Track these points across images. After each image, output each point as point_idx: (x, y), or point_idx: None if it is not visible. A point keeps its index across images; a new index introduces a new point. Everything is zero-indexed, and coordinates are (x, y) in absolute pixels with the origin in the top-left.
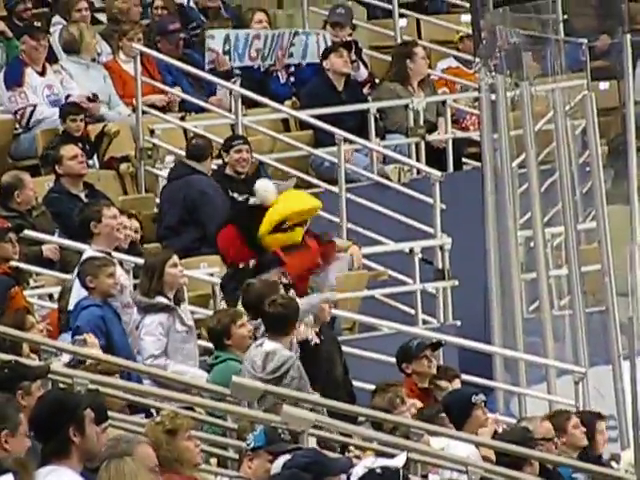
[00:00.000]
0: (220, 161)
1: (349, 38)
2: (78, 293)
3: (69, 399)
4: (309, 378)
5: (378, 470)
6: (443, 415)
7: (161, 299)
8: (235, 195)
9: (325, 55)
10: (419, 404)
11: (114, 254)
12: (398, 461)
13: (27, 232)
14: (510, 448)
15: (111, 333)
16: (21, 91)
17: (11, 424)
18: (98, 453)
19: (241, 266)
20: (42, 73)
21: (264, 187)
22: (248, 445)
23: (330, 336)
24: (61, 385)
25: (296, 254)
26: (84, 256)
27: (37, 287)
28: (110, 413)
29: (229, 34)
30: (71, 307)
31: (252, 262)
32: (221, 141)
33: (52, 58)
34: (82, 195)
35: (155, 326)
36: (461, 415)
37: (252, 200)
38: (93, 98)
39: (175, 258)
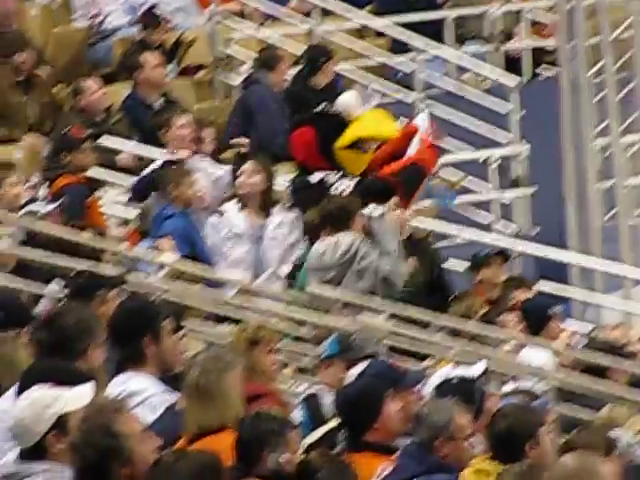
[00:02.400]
0: (295, 70)
1: None
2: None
3: (147, 309)
4: None
5: (454, 380)
6: (504, 317)
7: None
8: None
9: None
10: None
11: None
12: (475, 370)
13: (102, 140)
14: (589, 356)
15: (195, 241)
16: None
17: (97, 338)
18: (175, 363)
19: (317, 178)
20: None
21: (347, 100)
22: (322, 354)
23: (421, 241)
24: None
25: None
26: (156, 163)
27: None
28: (194, 323)
29: None
30: None
31: (343, 182)
32: (296, 51)
33: None
34: (157, 104)
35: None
36: (537, 325)
37: (333, 109)
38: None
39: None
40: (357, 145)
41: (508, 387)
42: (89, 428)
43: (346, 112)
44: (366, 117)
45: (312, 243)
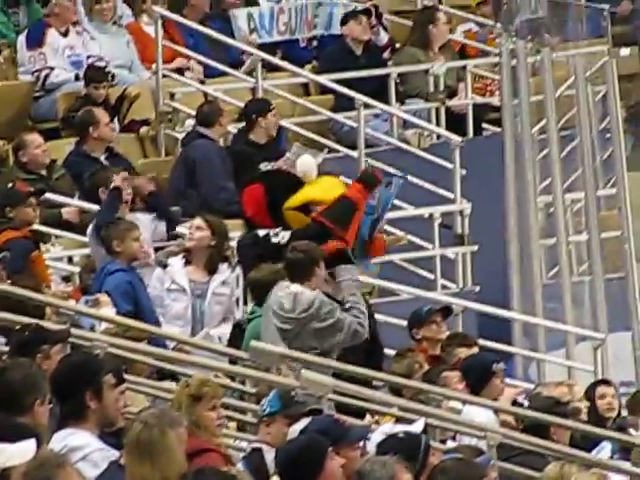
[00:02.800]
0: (234, 126)
1: (370, 3)
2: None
3: (89, 364)
4: None
5: (401, 435)
6: (446, 375)
7: None
8: (261, 165)
9: (344, 21)
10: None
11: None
12: (417, 427)
13: (47, 195)
14: (530, 414)
15: (139, 299)
16: (41, 52)
17: (43, 393)
18: (116, 418)
19: (263, 233)
20: (65, 34)
21: (308, 163)
22: (263, 410)
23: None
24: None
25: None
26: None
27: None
28: (137, 379)
29: (251, 12)
30: None
31: (280, 233)
32: (241, 105)
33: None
34: (102, 158)
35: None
36: (479, 382)
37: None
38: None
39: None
40: (307, 208)
41: (451, 444)
42: None
43: (303, 174)
44: (321, 182)
45: (257, 302)
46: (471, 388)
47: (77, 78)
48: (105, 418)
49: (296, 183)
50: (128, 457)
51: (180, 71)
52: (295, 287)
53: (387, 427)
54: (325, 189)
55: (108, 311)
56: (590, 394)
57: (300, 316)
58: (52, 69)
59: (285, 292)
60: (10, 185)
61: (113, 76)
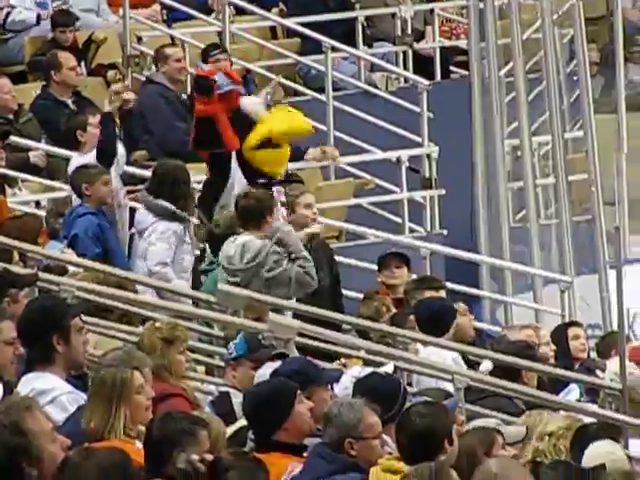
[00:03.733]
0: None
1: None
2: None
3: (55, 307)
4: None
5: (381, 374)
6: (413, 318)
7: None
8: None
9: None
10: None
11: None
12: (387, 369)
13: (13, 138)
14: (501, 358)
15: (108, 241)
16: None
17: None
18: (83, 362)
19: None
20: None
21: (252, 102)
22: (230, 354)
23: (320, 244)
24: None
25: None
26: (71, 164)
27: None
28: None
29: None
30: None
31: None
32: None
33: None
34: (69, 102)
35: (170, 234)
36: (443, 324)
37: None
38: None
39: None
40: (268, 144)
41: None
42: None
43: (253, 114)
44: (272, 115)
45: (212, 250)
46: (435, 333)
47: (38, 19)
48: (72, 361)
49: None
50: (93, 399)
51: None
52: (242, 237)
53: (356, 370)
54: (277, 118)
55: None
56: (559, 336)
57: (248, 265)
58: (13, 7)
59: (233, 244)
60: None
61: (76, 19)
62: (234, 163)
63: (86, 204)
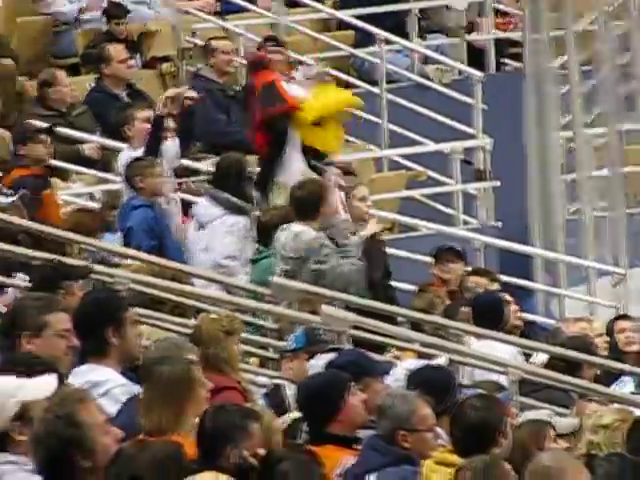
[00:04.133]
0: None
1: None
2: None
3: (109, 300)
4: None
5: (435, 367)
6: (465, 310)
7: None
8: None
9: None
10: None
11: None
12: (440, 362)
13: (67, 131)
14: (562, 352)
15: (163, 234)
16: None
17: (32, 326)
18: (137, 354)
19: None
20: None
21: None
22: (289, 346)
23: (372, 238)
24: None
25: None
26: (120, 158)
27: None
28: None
29: None
30: None
31: None
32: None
33: None
34: (123, 95)
35: (240, 227)
36: (495, 316)
37: None
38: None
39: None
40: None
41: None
42: (52, 418)
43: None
44: (320, 93)
45: (263, 244)
46: (490, 327)
47: (78, 14)
48: (126, 354)
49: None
50: (160, 398)
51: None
52: (295, 226)
53: (409, 363)
54: (320, 96)
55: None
56: (609, 329)
57: (298, 255)
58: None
59: (286, 232)
60: (21, 123)
61: (127, 12)
62: (291, 141)
63: (140, 196)
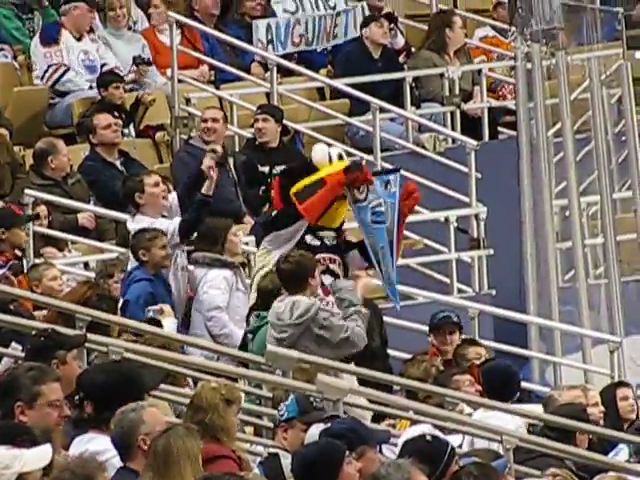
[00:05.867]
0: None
1: (384, 6)
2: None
3: (137, 378)
4: None
5: (428, 437)
6: (457, 379)
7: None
8: (260, 168)
9: (366, 23)
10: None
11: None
12: (452, 440)
13: (62, 200)
14: (555, 420)
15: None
16: (57, 49)
17: (26, 395)
18: None
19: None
20: (79, 39)
21: (320, 150)
22: (281, 416)
23: (370, 305)
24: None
25: (310, 197)
26: (129, 227)
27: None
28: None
29: (270, 22)
30: None
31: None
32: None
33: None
34: (117, 163)
35: (220, 280)
36: (500, 388)
37: (277, 170)
38: (147, 61)
39: (234, 227)
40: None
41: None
42: (71, 477)
43: (316, 162)
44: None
45: (264, 308)
46: (491, 392)
47: (90, 88)
48: None
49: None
50: (147, 467)
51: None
52: (293, 297)
53: (423, 427)
54: (329, 168)
55: (170, 320)
56: (608, 396)
57: (297, 321)
58: (68, 68)
59: (283, 302)
60: (3, 206)
61: (122, 79)
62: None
63: (144, 269)
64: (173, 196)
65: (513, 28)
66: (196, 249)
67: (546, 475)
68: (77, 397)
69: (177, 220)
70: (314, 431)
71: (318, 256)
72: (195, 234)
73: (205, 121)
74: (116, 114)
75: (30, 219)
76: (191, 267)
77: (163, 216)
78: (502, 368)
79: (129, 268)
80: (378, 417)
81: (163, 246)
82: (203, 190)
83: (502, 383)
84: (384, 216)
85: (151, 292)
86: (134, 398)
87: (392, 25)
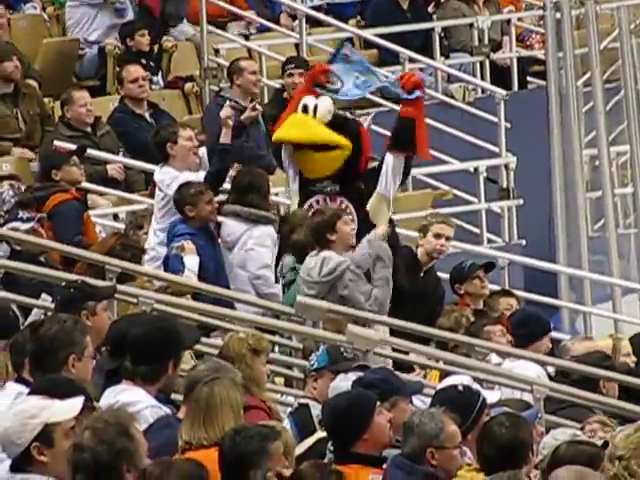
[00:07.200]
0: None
1: None
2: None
3: (176, 334)
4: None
5: (460, 387)
6: (488, 329)
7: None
8: None
9: None
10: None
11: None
12: (492, 396)
13: (92, 152)
14: (579, 368)
15: (204, 262)
16: None
17: (78, 348)
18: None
19: None
20: None
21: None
22: (312, 366)
23: (434, 280)
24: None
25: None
26: (164, 175)
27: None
28: None
29: None
30: None
31: None
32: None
33: None
34: (146, 115)
35: (266, 237)
36: (531, 336)
37: None
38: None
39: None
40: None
41: (492, 397)
42: (103, 426)
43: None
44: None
45: (298, 261)
46: (520, 341)
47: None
48: (172, 385)
49: None
50: (192, 415)
51: (223, 26)
52: (324, 252)
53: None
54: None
55: (191, 258)
56: (639, 345)
57: (324, 279)
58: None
59: (314, 258)
60: (51, 146)
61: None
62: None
63: (189, 223)
64: (203, 151)
65: None
66: (237, 202)
67: (591, 422)
68: (107, 348)
69: (202, 174)
70: (338, 382)
71: (310, 200)
72: (235, 186)
73: (253, 73)
74: (144, 62)
75: (79, 151)
76: (223, 219)
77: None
78: (527, 314)
79: (172, 220)
80: (409, 368)
81: (209, 201)
82: (222, 139)
83: (530, 330)
84: (369, 81)
85: (197, 246)
86: (172, 354)
87: None
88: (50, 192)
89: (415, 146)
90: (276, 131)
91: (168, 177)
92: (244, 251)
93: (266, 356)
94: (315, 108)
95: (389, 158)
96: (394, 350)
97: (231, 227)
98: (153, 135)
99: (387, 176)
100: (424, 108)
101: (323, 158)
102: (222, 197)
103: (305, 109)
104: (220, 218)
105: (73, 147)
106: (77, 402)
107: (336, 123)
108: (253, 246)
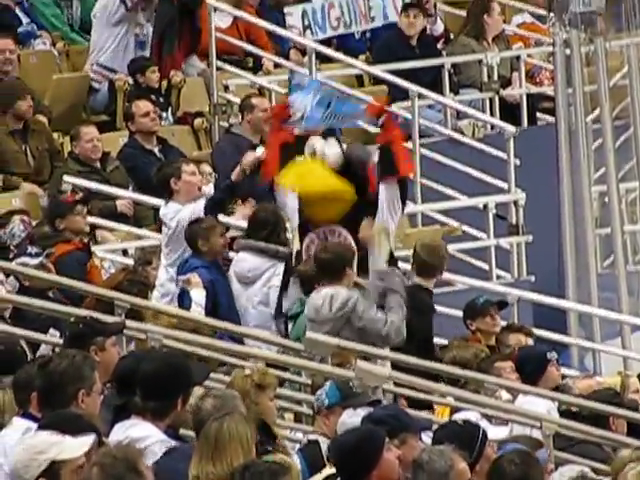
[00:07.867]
0: None
1: None
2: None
3: (186, 371)
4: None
5: (459, 422)
6: (499, 365)
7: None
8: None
9: (401, 11)
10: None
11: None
12: (499, 432)
13: (100, 187)
14: (589, 405)
15: (218, 295)
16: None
17: (87, 383)
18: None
19: None
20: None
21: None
22: (322, 402)
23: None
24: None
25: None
26: (168, 210)
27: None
28: None
29: (305, 8)
30: None
31: None
32: None
33: None
34: (156, 150)
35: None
36: (535, 371)
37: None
38: None
39: None
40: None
41: (500, 433)
42: (112, 463)
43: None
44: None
45: (305, 293)
46: (527, 378)
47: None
48: (180, 421)
49: None
50: (201, 449)
51: (233, 63)
52: (327, 289)
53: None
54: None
55: (198, 292)
56: None
57: (338, 314)
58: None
59: (320, 295)
60: (56, 197)
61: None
62: None
63: (201, 257)
64: (210, 188)
65: (551, 14)
66: (257, 238)
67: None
68: (114, 383)
69: (201, 201)
70: (346, 418)
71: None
72: (254, 222)
73: (265, 111)
74: (153, 98)
75: (84, 200)
76: (241, 254)
77: None
78: (525, 352)
79: (178, 254)
80: (419, 404)
81: (222, 234)
82: (233, 177)
83: (532, 366)
84: (326, 97)
85: (210, 279)
86: (182, 390)
87: (432, 12)
88: (52, 243)
89: (398, 167)
90: (283, 176)
91: (172, 211)
92: (267, 288)
93: (273, 390)
94: (323, 154)
95: (381, 188)
96: (398, 385)
97: (252, 263)
98: (156, 172)
99: (383, 207)
100: (395, 128)
101: (335, 207)
102: (234, 233)
103: (313, 153)
104: (232, 254)
105: (79, 194)
106: (87, 440)
107: (344, 170)
108: (279, 283)
